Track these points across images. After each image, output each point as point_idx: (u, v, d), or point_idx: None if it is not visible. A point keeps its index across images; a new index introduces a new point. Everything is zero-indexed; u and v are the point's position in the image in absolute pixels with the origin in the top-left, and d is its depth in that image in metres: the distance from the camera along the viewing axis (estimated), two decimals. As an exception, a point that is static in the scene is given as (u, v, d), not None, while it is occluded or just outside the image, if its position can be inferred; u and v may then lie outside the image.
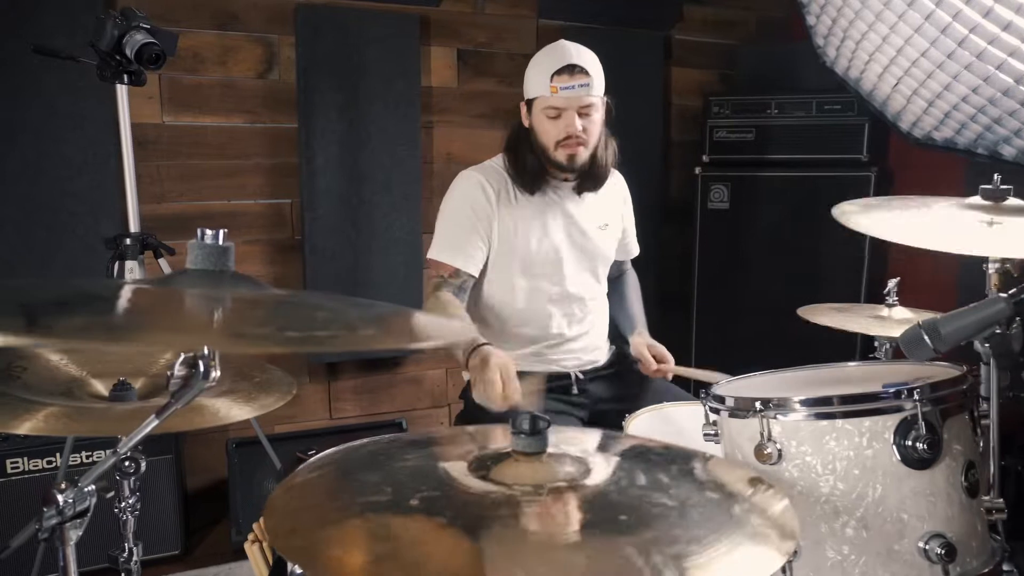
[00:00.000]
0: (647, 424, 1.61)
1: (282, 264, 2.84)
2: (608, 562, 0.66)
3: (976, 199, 1.31)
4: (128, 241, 1.84)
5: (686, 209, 3.26)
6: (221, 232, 0.75)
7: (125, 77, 1.71)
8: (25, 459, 2.24)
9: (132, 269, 1.84)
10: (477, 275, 1.84)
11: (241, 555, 2.51)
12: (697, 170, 3.16)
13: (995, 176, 1.28)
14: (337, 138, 2.78)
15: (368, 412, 3.06)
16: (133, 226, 1.89)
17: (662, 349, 1.94)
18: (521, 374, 1.53)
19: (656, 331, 3.34)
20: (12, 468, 2.23)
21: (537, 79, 1.79)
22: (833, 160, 3.00)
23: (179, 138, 2.66)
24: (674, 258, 3.37)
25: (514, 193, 1.86)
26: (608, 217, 1.98)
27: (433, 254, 1.85)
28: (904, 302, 1.75)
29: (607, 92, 1.86)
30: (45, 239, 2.44)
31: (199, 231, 0.75)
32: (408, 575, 0.62)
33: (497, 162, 1.92)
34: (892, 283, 1.65)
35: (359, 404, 3.04)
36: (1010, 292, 0.95)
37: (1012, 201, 1.28)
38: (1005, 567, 1.08)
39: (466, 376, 1.75)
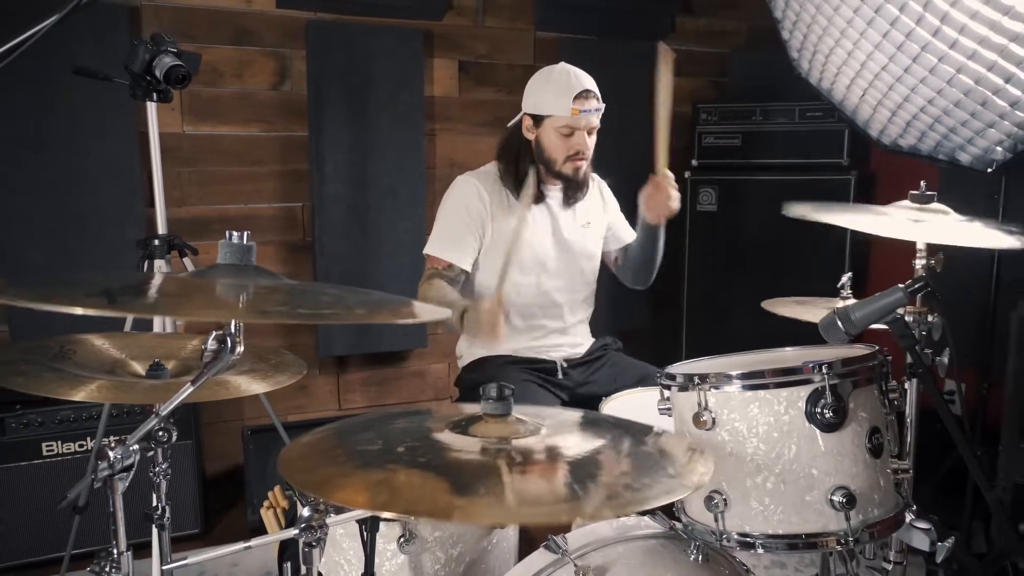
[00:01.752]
0: (621, 406, 1.78)
1: (294, 264, 3.00)
2: (550, 488, 0.84)
3: (906, 202, 1.47)
4: (156, 242, 2.03)
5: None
6: (246, 234, 0.93)
7: (155, 95, 1.90)
8: (59, 442, 2.42)
9: (161, 268, 2.02)
10: (469, 269, 2.02)
11: (257, 534, 2.67)
12: (687, 174, 3.31)
13: (921, 183, 1.45)
14: (346, 146, 2.93)
15: (375, 403, 3.21)
16: (161, 228, 2.07)
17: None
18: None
19: (648, 328, 3.50)
20: (47, 451, 2.40)
21: (555, 99, 1.95)
22: (815, 164, 3.14)
23: (199, 146, 2.83)
24: (665, 258, 3.51)
25: (507, 197, 2.04)
26: (590, 215, 2.15)
27: (429, 250, 2.03)
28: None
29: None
30: (76, 245, 2.60)
31: (228, 233, 0.93)
32: (398, 497, 0.80)
33: (490, 168, 2.10)
34: (845, 277, 1.81)
35: (367, 395, 3.21)
36: (907, 283, 1.12)
37: (936, 205, 1.45)
38: (920, 524, 1.25)
39: (463, 341, 1.94)
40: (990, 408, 2.54)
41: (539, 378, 2.02)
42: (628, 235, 2.30)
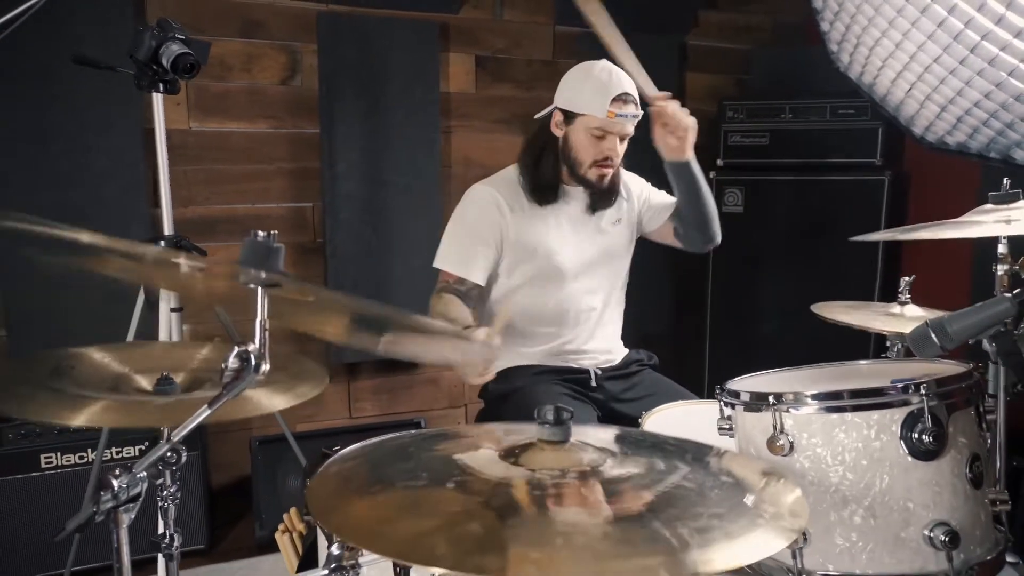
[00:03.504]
0: (663, 422, 1.66)
1: (304, 266, 2.90)
2: (637, 535, 0.71)
3: (988, 206, 1.34)
4: (163, 243, 1.92)
5: (701, 212, 3.30)
6: (274, 233, 0.81)
7: (161, 86, 1.79)
8: (58, 454, 2.32)
9: (166, 270, 1.90)
10: (483, 283, 1.90)
11: (265, 550, 2.59)
12: (712, 174, 3.20)
13: (1004, 181, 1.32)
14: (358, 143, 2.84)
15: (387, 412, 3.12)
16: (167, 229, 1.96)
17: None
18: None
19: (672, 332, 3.39)
20: (46, 463, 2.31)
21: (593, 98, 1.81)
22: (847, 164, 3.03)
23: (206, 143, 2.74)
24: (689, 260, 3.39)
25: (526, 202, 1.92)
26: (619, 212, 2.02)
27: (439, 264, 1.91)
28: (917, 302, 1.78)
29: None
30: (78, 243, 2.52)
31: (252, 232, 0.81)
32: (448, 549, 0.67)
33: (509, 173, 1.97)
34: (905, 281, 1.68)
35: (378, 404, 3.11)
36: (1015, 292, 0.99)
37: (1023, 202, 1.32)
38: (1009, 557, 1.13)
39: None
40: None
41: (572, 390, 1.89)
42: (670, 200, 2.10)
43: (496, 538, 0.69)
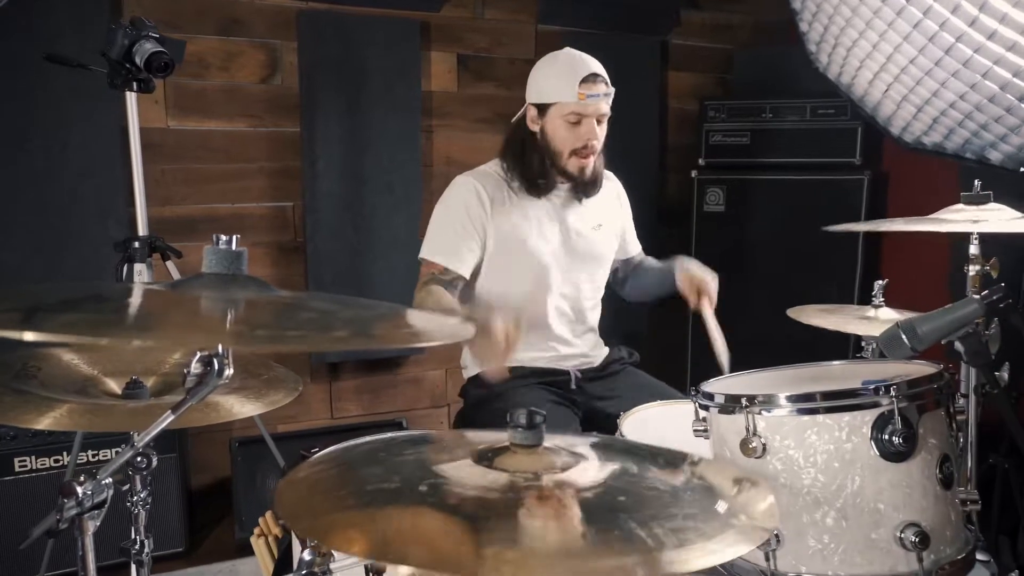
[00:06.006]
0: (640, 422, 1.66)
1: (285, 266, 2.89)
2: (612, 534, 0.71)
3: (959, 206, 1.35)
4: (136, 244, 1.90)
5: (683, 211, 3.32)
6: (235, 237, 0.80)
7: (135, 85, 1.77)
8: (33, 457, 2.29)
9: (140, 271, 1.89)
10: (468, 276, 1.88)
11: (245, 552, 2.57)
12: (693, 173, 3.22)
13: (975, 182, 1.33)
14: (339, 142, 2.83)
15: (369, 412, 3.10)
16: (141, 229, 1.94)
17: (705, 283, 1.93)
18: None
19: (652, 332, 3.40)
20: (20, 466, 2.28)
21: (560, 84, 1.82)
22: (827, 164, 3.05)
23: (184, 142, 2.71)
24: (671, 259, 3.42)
25: (510, 197, 1.91)
26: (603, 217, 2.02)
27: (424, 254, 1.89)
28: (895, 304, 1.78)
29: None
30: (54, 242, 2.48)
31: (214, 237, 0.80)
32: (419, 551, 0.66)
33: (493, 167, 1.96)
34: (879, 285, 1.69)
35: (360, 404, 3.09)
36: (983, 293, 1.00)
37: (993, 204, 1.33)
38: (979, 556, 1.13)
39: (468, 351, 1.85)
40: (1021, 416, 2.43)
41: (553, 393, 1.89)
42: (634, 247, 2.19)
43: (470, 539, 0.68)
